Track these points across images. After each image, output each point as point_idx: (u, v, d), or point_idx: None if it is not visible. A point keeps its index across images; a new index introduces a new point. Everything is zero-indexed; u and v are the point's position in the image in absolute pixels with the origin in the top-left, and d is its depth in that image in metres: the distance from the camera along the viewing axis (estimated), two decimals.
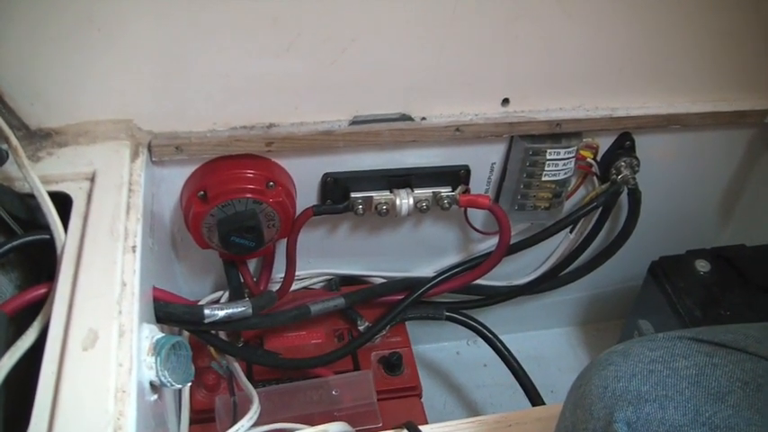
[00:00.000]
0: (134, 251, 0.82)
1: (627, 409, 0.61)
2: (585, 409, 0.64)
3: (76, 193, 0.90)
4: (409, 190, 1.15)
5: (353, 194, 1.13)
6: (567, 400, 0.69)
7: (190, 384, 0.90)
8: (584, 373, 0.68)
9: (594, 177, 1.25)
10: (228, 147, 1.03)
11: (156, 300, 0.92)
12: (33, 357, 0.73)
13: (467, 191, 1.18)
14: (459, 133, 1.09)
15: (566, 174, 1.18)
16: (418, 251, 1.33)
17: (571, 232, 1.34)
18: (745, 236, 1.40)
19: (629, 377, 0.63)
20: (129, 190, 0.90)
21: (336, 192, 1.14)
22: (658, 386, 0.62)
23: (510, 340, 1.35)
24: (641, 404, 0.61)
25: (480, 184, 1.22)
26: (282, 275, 1.22)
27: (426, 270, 1.35)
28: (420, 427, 0.89)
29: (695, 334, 0.67)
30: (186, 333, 1.13)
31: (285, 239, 1.15)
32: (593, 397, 0.64)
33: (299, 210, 1.12)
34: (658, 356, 0.65)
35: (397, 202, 1.13)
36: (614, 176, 1.21)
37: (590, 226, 1.31)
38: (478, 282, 1.30)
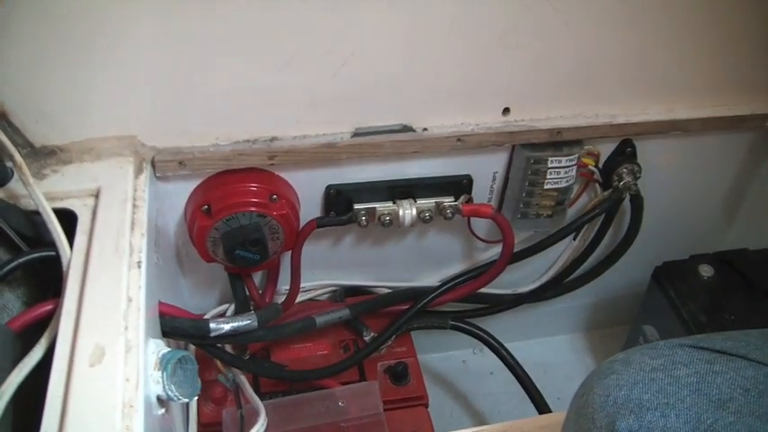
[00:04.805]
0: (139, 267, 0.83)
1: (629, 418, 0.61)
2: (588, 418, 0.64)
3: (81, 209, 0.90)
4: (412, 200, 1.15)
5: (357, 206, 1.14)
6: (569, 409, 0.70)
7: (197, 398, 0.91)
8: (586, 382, 0.68)
9: (597, 184, 1.25)
10: (231, 161, 1.03)
11: (161, 314, 0.93)
12: (41, 373, 0.73)
13: (469, 200, 1.18)
14: (461, 143, 1.10)
15: (568, 181, 1.18)
16: (422, 261, 1.34)
17: (574, 239, 1.34)
18: (748, 239, 1.41)
19: (631, 386, 0.64)
20: (134, 206, 0.91)
21: (339, 203, 1.15)
22: (660, 394, 0.62)
23: (515, 348, 1.35)
24: (643, 412, 0.61)
25: (483, 193, 1.22)
26: (287, 287, 1.22)
27: (431, 279, 1.36)
28: None
29: (696, 341, 0.67)
30: (192, 347, 1.14)
31: (290, 252, 1.15)
32: (595, 406, 0.64)
33: (302, 222, 1.12)
34: (659, 364, 0.65)
35: (400, 212, 1.13)
36: (616, 183, 1.21)
37: (593, 233, 1.31)
38: (483, 290, 1.31)
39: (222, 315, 1.22)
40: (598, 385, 0.66)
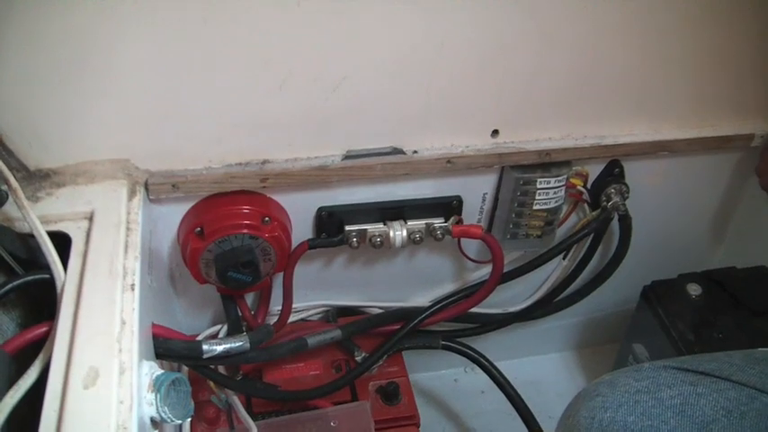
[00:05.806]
0: (133, 289, 0.83)
1: None
2: None
3: (75, 232, 0.91)
4: (403, 222, 1.16)
5: (348, 227, 1.15)
6: (556, 431, 0.71)
7: (190, 419, 0.91)
8: (572, 404, 0.69)
9: (585, 204, 1.27)
10: (224, 183, 1.04)
11: (155, 336, 0.93)
12: (35, 396, 0.74)
13: (459, 221, 1.19)
14: (451, 165, 1.11)
15: (557, 202, 1.19)
16: (413, 281, 1.34)
17: (564, 259, 1.35)
18: (735, 258, 1.42)
19: (616, 407, 0.65)
20: (127, 228, 0.91)
21: (331, 225, 1.15)
22: (644, 416, 0.63)
23: (507, 366, 1.35)
24: None
25: (473, 214, 1.23)
26: (280, 308, 1.23)
27: (422, 300, 1.36)
28: None
29: (680, 363, 0.68)
30: (186, 368, 1.14)
31: (282, 273, 1.16)
32: (580, 427, 0.65)
33: (294, 244, 1.13)
34: (644, 386, 0.66)
35: (391, 234, 1.14)
36: (605, 203, 1.23)
37: (582, 252, 1.33)
38: (474, 310, 1.31)
39: (215, 336, 1.22)
40: (584, 407, 0.67)
